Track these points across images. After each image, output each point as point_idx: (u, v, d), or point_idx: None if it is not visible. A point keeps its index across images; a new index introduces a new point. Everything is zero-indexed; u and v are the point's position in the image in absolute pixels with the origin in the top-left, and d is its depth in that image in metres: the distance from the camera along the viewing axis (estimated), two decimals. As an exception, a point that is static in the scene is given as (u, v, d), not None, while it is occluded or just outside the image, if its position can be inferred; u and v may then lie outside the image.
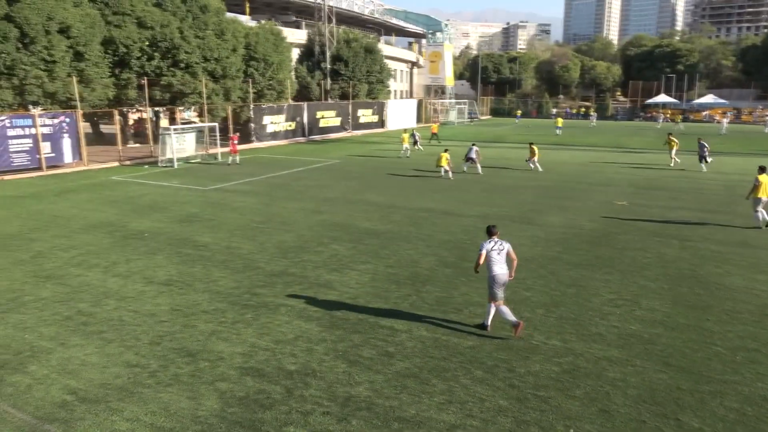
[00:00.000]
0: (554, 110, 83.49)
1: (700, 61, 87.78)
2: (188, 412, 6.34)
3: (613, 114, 79.02)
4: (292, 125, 40.82)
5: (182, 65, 31.90)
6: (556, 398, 6.64)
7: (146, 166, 27.20)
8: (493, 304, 8.30)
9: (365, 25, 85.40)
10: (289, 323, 8.76)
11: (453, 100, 70.09)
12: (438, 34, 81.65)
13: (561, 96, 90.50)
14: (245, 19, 51.62)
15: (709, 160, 25.97)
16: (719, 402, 6.57)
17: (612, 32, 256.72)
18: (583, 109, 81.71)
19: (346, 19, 78.60)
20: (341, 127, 46.82)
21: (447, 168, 23.10)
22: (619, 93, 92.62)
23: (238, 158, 28.04)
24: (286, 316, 9.02)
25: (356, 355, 7.70)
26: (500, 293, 8.23)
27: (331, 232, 14.34)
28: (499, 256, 8.20)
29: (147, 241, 13.47)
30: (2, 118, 23.16)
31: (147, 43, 30.23)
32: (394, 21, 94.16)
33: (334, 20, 49.82)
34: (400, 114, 56.97)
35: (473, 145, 25.27)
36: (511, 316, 8.14)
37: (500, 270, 8.16)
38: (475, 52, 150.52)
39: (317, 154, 32.86)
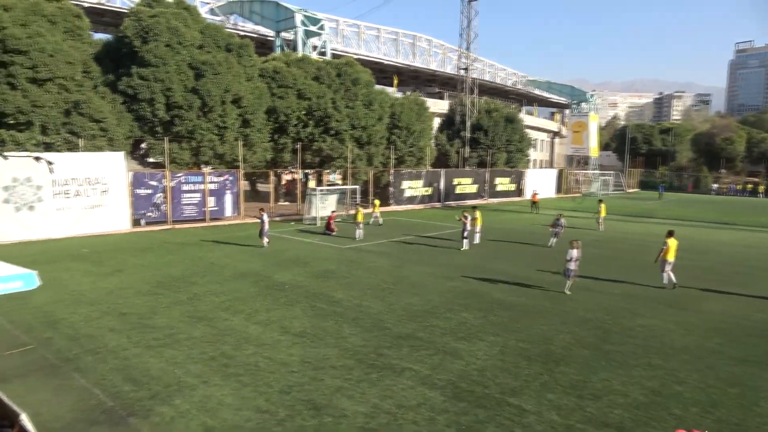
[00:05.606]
0: (714, 185, 76.31)
1: None
2: (309, 466, 6.41)
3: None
4: (429, 190, 41.79)
5: (332, 132, 34.60)
6: None
7: (292, 223, 29.31)
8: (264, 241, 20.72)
9: (507, 96, 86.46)
10: (413, 388, 8.63)
11: (597, 171, 67.12)
12: (583, 104, 79.97)
13: (723, 170, 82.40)
14: (392, 91, 55.00)
15: None
16: None
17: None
18: (750, 186, 73.55)
19: (489, 90, 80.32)
20: (477, 194, 46.89)
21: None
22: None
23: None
24: (411, 381, 8.90)
25: (480, 432, 7.32)
26: (267, 238, 20.85)
27: (461, 299, 14.12)
28: (266, 223, 20.67)
29: (287, 293, 14.32)
30: (179, 175, 26.69)
31: (304, 112, 33.42)
32: (537, 92, 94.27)
33: (476, 91, 51.10)
34: (539, 183, 55.71)
35: (560, 216, 24.29)
36: (265, 240, 20.77)
37: (266, 227, 20.68)
38: (623, 123, 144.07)
39: (452, 219, 32.99)
